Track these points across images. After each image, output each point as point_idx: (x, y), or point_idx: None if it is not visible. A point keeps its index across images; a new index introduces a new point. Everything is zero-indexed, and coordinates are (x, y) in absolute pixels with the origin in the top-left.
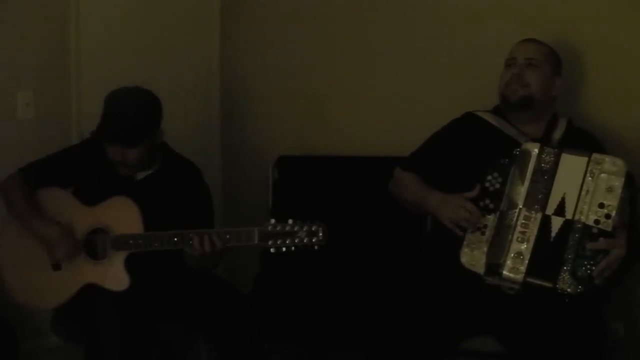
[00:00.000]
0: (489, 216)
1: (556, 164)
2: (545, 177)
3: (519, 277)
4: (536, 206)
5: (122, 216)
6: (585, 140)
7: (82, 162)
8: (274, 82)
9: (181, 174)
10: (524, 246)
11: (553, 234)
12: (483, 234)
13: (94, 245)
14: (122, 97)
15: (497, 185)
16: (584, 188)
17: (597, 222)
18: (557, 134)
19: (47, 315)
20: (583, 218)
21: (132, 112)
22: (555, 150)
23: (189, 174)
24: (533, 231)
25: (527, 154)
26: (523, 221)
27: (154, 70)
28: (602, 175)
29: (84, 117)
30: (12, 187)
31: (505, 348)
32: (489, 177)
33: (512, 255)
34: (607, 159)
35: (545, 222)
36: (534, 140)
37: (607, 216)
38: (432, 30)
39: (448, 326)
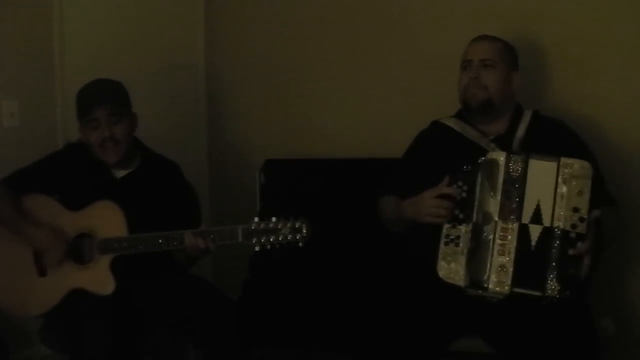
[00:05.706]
0: (460, 227)
1: (525, 169)
2: (517, 186)
3: (506, 289)
4: (512, 217)
5: (106, 220)
6: (554, 130)
7: (64, 168)
8: (261, 86)
9: (161, 171)
10: (506, 259)
11: (533, 243)
12: (457, 245)
13: (80, 249)
14: (93, 81)
15: (464, 194)
16: (558, 193)
17: (574, 226)
18: (521, 130)
19: (36, 325)
20: (561, 224)
21: (108, 83)
22: (522, 156)
23: (169, 171)
24: (512, 242)
25: (494, 164)
26: (501, 233)
27: (139, 75)
28: (573, 179)
29: (69, 125)
30: None
31: (493, 349)
32: (454, 186)
33: (496, 269)
34: (576, 163)
35: (524, 231)
36: (497, 138)
37: (582, 219)
38: (421, 32)
39: (436, 328)
